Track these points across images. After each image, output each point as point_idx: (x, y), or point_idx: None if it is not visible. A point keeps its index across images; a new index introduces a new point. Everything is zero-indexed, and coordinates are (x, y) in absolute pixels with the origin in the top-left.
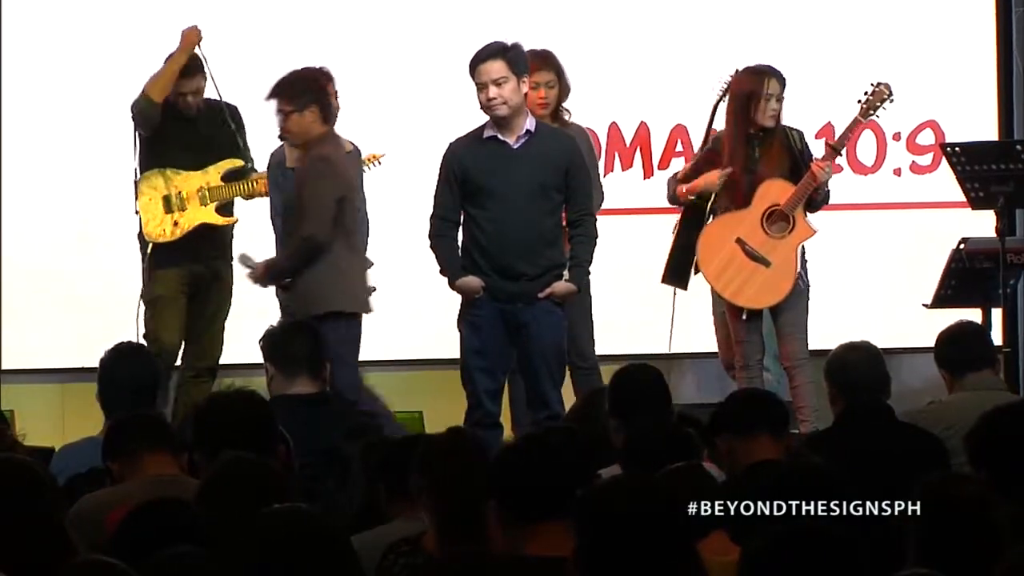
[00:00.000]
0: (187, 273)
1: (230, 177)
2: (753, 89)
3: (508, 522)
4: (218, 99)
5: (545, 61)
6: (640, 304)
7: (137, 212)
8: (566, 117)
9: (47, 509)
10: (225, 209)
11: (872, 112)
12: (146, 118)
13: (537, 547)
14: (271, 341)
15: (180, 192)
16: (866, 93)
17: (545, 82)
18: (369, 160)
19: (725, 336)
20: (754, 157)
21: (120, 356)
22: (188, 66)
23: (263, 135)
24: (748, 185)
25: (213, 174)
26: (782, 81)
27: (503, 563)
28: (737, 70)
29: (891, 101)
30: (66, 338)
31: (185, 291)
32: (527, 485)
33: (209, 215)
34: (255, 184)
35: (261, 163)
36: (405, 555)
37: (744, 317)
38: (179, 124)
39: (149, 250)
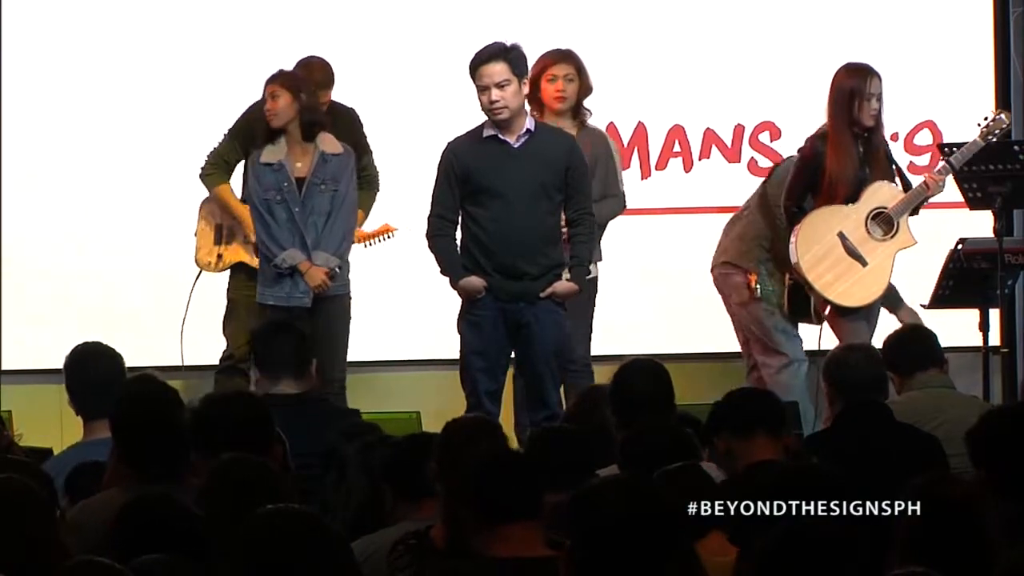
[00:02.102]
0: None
1: None
2: (855, 87)
3: (477, 523)
4: (342, 103)
5: (565, 56)
6: (639, 305)
7: (195, 235)
8: (587, 117)
9: (43, 532)
10: None
11: (991, 136)
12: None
13: (503, 548)
14: (254, 342)
15: (231, 226)
16: (986, 118)
17: (564, 75)
18: (382, 232)
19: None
20: (859, 156)
21: (83, 357)
22: (321, 80)
23: None
24: (854, 183)
25: None
26: (881, 80)
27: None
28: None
29: (1008, 129)
30: (65, 338)
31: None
32: (490, 488)
33: (247, 256)
34: None
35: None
36: (413, 548)
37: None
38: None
39: (197, 276)
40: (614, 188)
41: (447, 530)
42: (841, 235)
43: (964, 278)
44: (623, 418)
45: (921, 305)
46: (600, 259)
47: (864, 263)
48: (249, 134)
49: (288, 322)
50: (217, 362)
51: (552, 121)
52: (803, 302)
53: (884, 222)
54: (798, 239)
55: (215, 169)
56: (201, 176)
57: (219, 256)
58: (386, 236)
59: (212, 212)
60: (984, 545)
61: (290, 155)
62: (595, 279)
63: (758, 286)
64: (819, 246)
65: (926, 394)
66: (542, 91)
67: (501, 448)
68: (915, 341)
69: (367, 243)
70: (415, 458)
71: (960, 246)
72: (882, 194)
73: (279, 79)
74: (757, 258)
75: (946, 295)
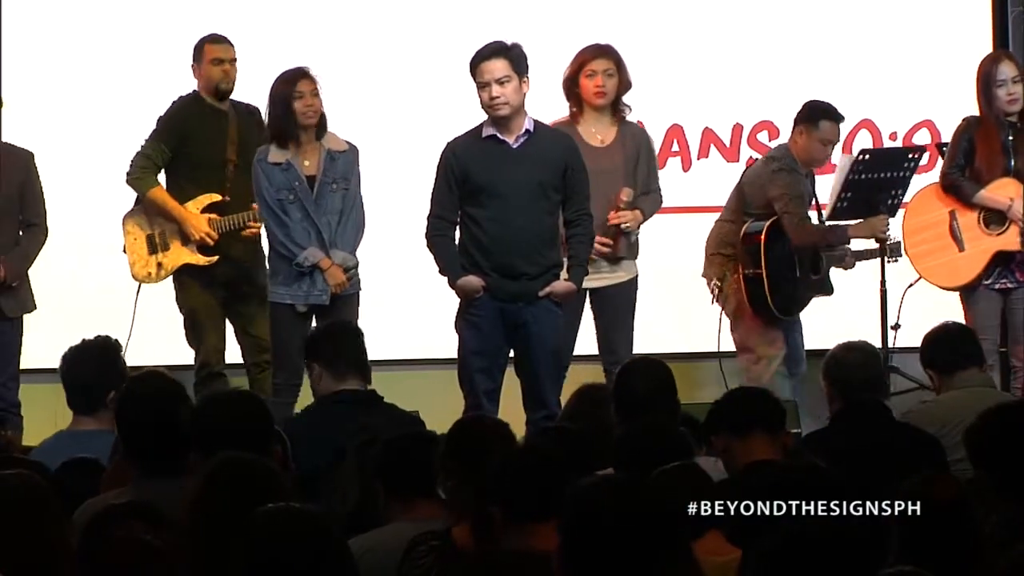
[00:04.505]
0: (216, 278)
1: (211, 210)
2: (986, 74)
3: (509, 523)
4: (248, 103)
5: (605, 51)
6: (640, 304)
7: (124, 251)
8: (626, 112)
9: (57, 531)
10: (206, 248)
11: None
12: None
13: (536, 546)
14: (320, 341)
15: (163, 231)
16: None
17: (603, 70)
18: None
19: (741, 335)
20: (1008, 144)
21: (73, 354)
22: (219, 38)
23: None
24: (1000, 172)
25: (192, 209)
26: (1017, 62)
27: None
28: None
29: None
30: (63, 338)
31: (219, 297)
32: (521, 489)
33: (191, 256)
34: (247, 218)
35: None
36: (435, 549)
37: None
38: (207, 121)
39: (139, 289)
40: (655, 183)
41: (476, 531)
42: (952, 214)
43: (861, 187)
44: (625, 418)
45: (822, 221)
46: (637, 256)
47: (961, 248)
48: (178, 134)
49: (352, 323)
50: (171, 364)
51: (592, 117)
52: (761, 298)
53: (998, 217)
54: (913, 202)
55: (144, 172)
56: (129, 180)
57: (159, 265)
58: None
59: (138, 224)
60: (977, 545)
61: (297, 154)
62: (635, 278)
63: (718, 289)
64: (927, 216)
65: (966, 393)
66: (581, 86)
67: (532, 447)
68: (954, 340)
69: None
70: (407, 457)
71: (864, 156)
72: (1007, 190)
73: (308, 76)
74: (720, 265)
75: (844, 207)
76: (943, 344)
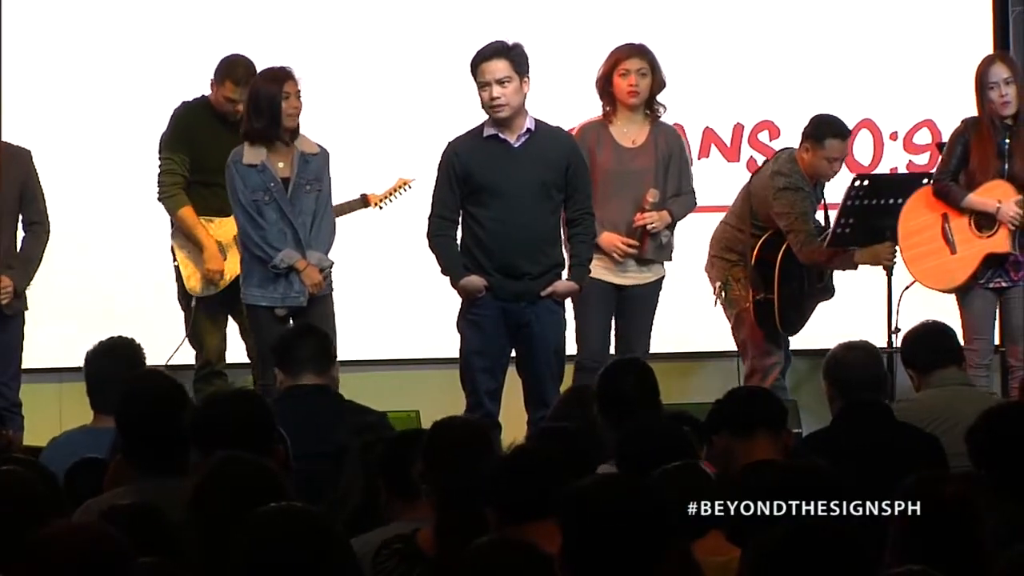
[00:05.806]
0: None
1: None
2: (980, 76)
3: (502, 524)
4: None
5: (639, 50)
6: None
7: (176, 266)
8: (660, 112)
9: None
10: None
11: None
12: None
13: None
14: (279, 347)
15: (219, 242)
16: None
17: (637, 69)
18: (399, 187)
19: (742, 340)
20: (1003, 147)
21: (105, 353)
22: (242, 76)
23: None
24: (994, 175)
25: (217, 235)
26: (1012, 64)
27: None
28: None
29: None
30: (65, 338)
31: (221, 296)
32: (514, 490)
33: None
34: None
35: None
36: (399, 552)
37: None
38: (217, 126)
39: (194, 304)
40: (687, 185)
41: (438, 536)
42: (944, 217)
43: (864, 214)
44: (611, 417)
45: (827, 222)
46: (670, 259)
47: (953, 251)
48: (188, 141)
49: (312, 326)
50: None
51: (624, 116)
52: (769, 317)
53: (988, 220)
54: (907, 206)
55: (175, 188)
56: (160, 199)
57: (220, 273)
58: (403, 190)
59: (189, 236)
60: (980, 543)
61: (271, 155)
62: (662, 278)
63: (723, 292)
64: (921, 219)
65: (944, 391)
66: (614, 86)
67: (528, 448)
68: (933, 338)
69: (384, 202)
70: (408, 456)
71: (862, 181)
72: (998, 193)
73: (293, 77)
74: (721, 268)
75: (846, 234)
76: (922, 343)
